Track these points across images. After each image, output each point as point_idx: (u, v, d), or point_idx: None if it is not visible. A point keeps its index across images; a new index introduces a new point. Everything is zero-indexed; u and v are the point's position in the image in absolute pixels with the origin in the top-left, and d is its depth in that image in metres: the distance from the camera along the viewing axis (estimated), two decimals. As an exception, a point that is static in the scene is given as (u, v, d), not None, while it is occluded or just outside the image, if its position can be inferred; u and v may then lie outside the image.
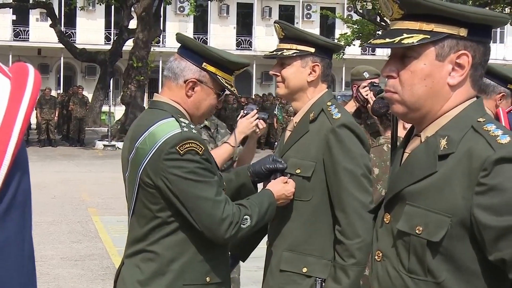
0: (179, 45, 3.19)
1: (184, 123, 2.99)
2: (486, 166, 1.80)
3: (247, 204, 3.08)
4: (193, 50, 3.12)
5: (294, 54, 3.28)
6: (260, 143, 23.23)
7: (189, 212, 2.93)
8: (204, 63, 3.10)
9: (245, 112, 4.20)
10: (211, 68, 3.11)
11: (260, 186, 3.38)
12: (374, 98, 4.76)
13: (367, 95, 4.86)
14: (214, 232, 2.94)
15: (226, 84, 3.15)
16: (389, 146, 4.16)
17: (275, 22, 3.40)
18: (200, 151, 2.93)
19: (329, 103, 3.27)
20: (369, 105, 4.79)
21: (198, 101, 3.12)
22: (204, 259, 3.02)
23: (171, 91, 3.13)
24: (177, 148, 2.90)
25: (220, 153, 4.02)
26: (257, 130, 4.14)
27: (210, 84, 3.12)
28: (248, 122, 4.11)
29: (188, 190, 2.91)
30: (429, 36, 1.92)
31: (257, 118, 4.16)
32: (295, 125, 3.35)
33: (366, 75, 5.32)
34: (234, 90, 3.25)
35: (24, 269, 1.16)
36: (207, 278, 3.03)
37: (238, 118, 4.21)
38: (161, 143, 2.92)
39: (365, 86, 4.99)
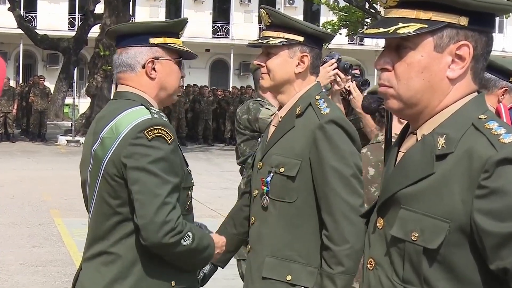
0: None
1: (154, 110, 3.04)
2: (488, 168, 1.79)
3: (192, 225, 3.07)
4: (134, 33, 3.17)
5: (281, 43, 3.26)
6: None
7: (134, 201, 2.91)
8: (150, 39, 3.15)
9: (324, 60, 3.99)
10: (159, 40, 3.16)
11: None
12: (357, 89, 4.74)
13: (349, 86, 4.83)
14: (150, 232, 2.88)
15: (179, 48, 3.20)
16: None
17: (261, 8, 3.36)
18: (169, 139, 2.96)
19: (317, 97, 3.25)
20: (351, 96, 4.77)
21: (164, 78, 3.16)
22: (168, 262, 3.01)
23: (133, 82, 3.16)
24: (145, 132, 2.93)
25: None
26: (338, 79, 3.99)
27: (166, 56, 3.17)
28: (325, 72, 3.97)
29: (142, 180, 2.91)
30: (426, 26, 1.91)
31: (336, 68, 3.95)
32: (280, 120, 3.32)
33: None
34: (189, 50, 3.26)
35: None
36: (172, 282, 3.03)
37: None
38: (129, 129, 2.95)
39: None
